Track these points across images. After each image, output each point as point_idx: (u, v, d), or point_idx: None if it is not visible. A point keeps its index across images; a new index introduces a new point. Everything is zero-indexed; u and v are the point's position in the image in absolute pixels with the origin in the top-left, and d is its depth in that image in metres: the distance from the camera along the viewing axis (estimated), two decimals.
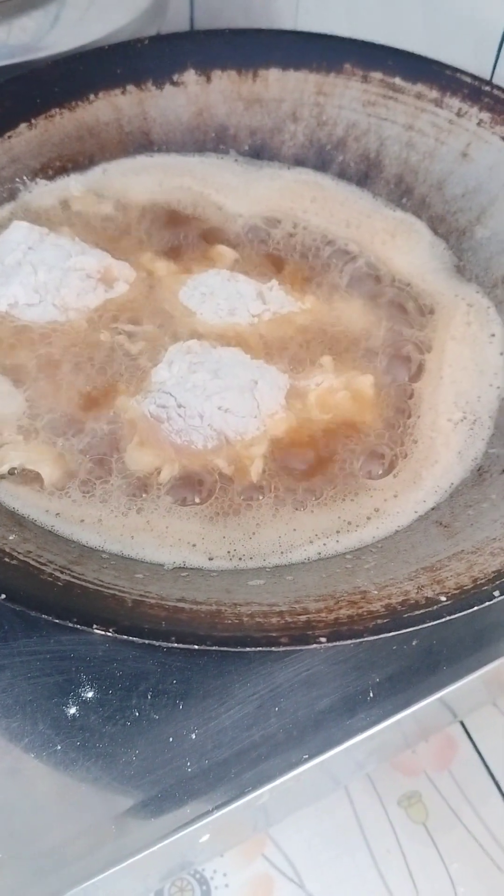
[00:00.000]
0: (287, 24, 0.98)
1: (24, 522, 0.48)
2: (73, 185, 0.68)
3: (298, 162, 0.73)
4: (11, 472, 0.51)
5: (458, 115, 0.65)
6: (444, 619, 0.39)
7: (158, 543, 0.49)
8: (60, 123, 0.68)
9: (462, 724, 0.71)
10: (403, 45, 0.68)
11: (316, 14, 0.95)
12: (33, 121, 0.67)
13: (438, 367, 0.59)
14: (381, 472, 0.53)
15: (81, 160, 0.70)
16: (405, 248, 0.67)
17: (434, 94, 0.66)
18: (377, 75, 0.68)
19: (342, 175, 0.72)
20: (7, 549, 0.43)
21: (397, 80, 0.67)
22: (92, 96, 0.69)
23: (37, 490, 0.50)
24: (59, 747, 0.46)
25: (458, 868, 0.65)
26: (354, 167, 0.71)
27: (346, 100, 0.70)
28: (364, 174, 0.71)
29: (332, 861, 0.64)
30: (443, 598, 0.40)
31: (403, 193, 0.69)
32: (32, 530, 0.47)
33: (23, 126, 0.67)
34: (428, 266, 0.66)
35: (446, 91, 0.66)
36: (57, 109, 0.68)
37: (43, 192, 0.68)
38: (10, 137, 0.66)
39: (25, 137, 0.67)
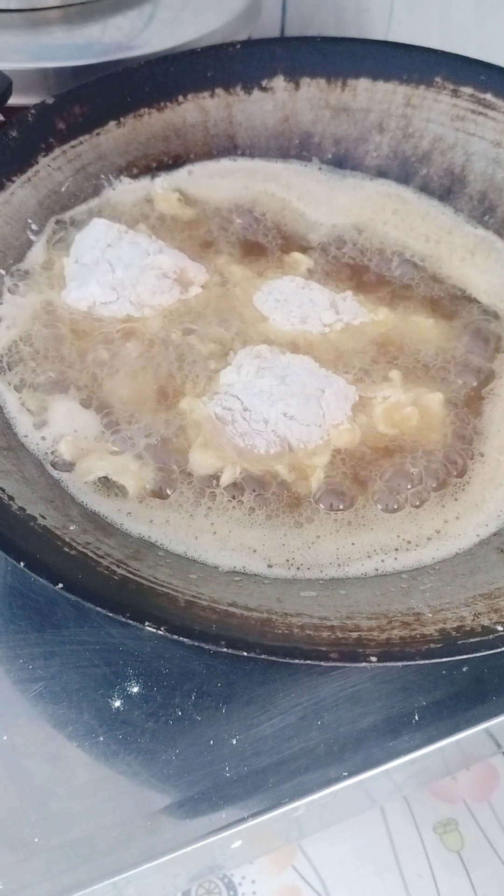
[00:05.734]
0: (379, 33, 0.98)
1: (86, 514, 0.49)
2: (157, 184, 0.69)
3: (381, 173, 0.72)
4: (98, 482, 0.51)
5: None
6: (499, 650, 0.39)
7: (220, 546, 0.49)
8: (148, 123, 0.69)
9: None
10: (497, 59, 0.67)
11: (408, 24, 0.94)
12: (122, 119, 0.68)
13: None
14: (444, 492, 0.52)
15: (165, 160, 0.71)
16: (483, 266, 0.65)
17: None
18: (468, 90, 0.67)
19: (425, 189, 0.71)
20: (67, 540, 0.43)
21: (489, 96, 0.66)
22: (181, 98, 0.70)
23: (115, 494, 0.51)
24: (102, 738, 0.47)
25: None
26: (438, 181, 0.70)
27: (435, 113, 0.69)
28: (447, 189, 0.70)
29: (361, 879, 0.64)
30: (499, 628, 0.39)
31: (486, 211, 0.68)
32: (93, 522, 0.48)
33: (112, 124, 0.68)
34: None
35: None
36: (146, 109, 0.69)
37: (126, 190, 0.69)
38: (98, 134, 0.67)
39: (113, 135, 0.68)
